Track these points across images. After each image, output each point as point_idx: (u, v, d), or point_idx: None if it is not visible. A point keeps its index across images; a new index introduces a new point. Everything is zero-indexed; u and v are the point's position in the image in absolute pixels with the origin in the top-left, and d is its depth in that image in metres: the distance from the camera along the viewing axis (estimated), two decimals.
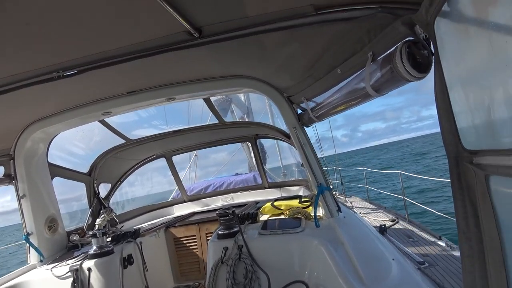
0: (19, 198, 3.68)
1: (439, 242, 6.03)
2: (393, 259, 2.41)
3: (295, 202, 3.75)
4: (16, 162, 3.61)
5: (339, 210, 3.12)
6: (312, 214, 3.32)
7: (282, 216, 3.57)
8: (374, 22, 1.62)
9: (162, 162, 6.28)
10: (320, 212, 3.23)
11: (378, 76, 1.67)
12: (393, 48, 1.52)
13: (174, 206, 6.39)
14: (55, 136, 3.90)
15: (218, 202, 6.30)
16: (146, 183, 7.12)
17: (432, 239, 6.32)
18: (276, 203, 3.80)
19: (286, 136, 4.83)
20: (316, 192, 3.07)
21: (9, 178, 3.66)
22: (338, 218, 3.02)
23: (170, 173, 6.42)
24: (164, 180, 7.40)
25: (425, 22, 1.28)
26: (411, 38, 1.43)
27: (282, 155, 10.77)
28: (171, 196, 7.09)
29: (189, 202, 6.39)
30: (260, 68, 2.77)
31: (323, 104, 2.57)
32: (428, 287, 2.04)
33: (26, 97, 2.63)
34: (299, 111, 3.15)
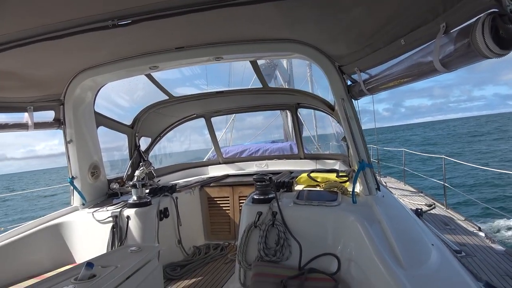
0: (66, 143, 3.83)
1: (478, 233, 5.81)
2: (433, 244, 2.33)
3: (332, 176, 3.70)
4: (66, 107, 3.73)
5: (378, 188, 3.03)
6: (349, 189, 3.26)
7: (318, 188, 3.53)
8: None
9: (200, 122, 6.35)
10: (357, 189, 3.15)
11: (450, 50, 1.53)
12: (473, 20, 1.37)
13: (209, 166, 6.50)
14: (102, 86, 3.98)
15: (253, 167, 6.34)
16: (183, 140, 7.25)
17: (471, 229, 6.10)
18: (312, 175, 3.76)
19: (330, 108, 4.70)
20: (357, 168, 2.99)
21: (58, 122, 3.80)
22: (376, 197, 2.94)
23: (207, 133, 6.49)
24: (200, 139, 7.52)
25: None
26: (494, 10, 1.28)
27: (317, 129, 10.64)
28: (207, 157, 7.21)
29: (224, 164, 6.47)
30: (315, 33, 2.65)
31: (378, 77, 2.43)
32: (467, 277, 1.96)
33: (79, 44, 2.66)
34: (348, 83, 3.02)
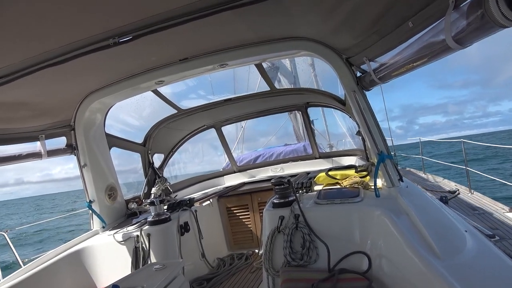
0: (81, 168, 3.83)
1: (509, 215, 5.59)
2: (466, 231, 2.22)
3: (351, 172, 3.61)
4: (77, 132, 3.74)
5: (400, 179, 2.93)
6: (370, 183, 3.17)
7: (338, 186, 3.44)
8: None
9: (212, 133, 6.32)
10: (379, 182, 3.06)
11: (463, 25, 1.45)
12: None
13: (224, 176, 6.46)
14: (111, 107, 3.98)
15: (268, 172, 6.28)
16: (197, 154, 7.24)
17: (501, 211, 5.88)
18: (330, 173, 3.68)
19: (340, 103, 4.61)
20: (376, 160, 2.90)
21: (71, 148, 3.81)
22: (400, 188, 2.84)
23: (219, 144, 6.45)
24: (214, 153, 7.51)
25: None
26: None
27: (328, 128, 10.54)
28: (221, 167, 7.17)
29: (239, 173, 6.42)
30: (319, 27, 2.59)
31: (388, 64, 2.35)
32: (509, 260, 1.85)
33: (84, 66, 2.67)
34: (358, 74, 2.95)
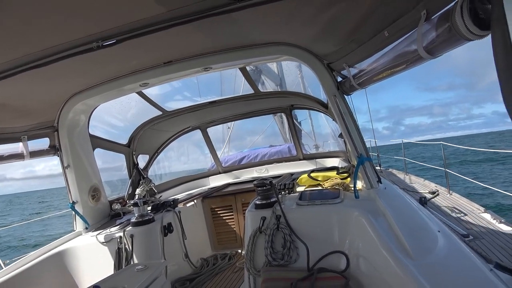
0: (64, 169, 3.82)
1: (484, 215, 5.77)
2: (439, 231, 2.32)
3: (332, 173, 3.69)
4: (60, 133, 3.73)
5: (379, 181, 3.03)
6: (351, 185, 3.25)
7: (319, 187, 3.52)
8: None
9: (197, 134, 6.35)
10: (359, 184, 3.15)
11: (433, 36, 1.54)
12: (452, 4, 1.38)
13: (209, 177, 6.49)
14: (95, 108, 3.98)
15: (253, 173, 6.33)
16: (182, 154, 7.24)
17: (476, 212, 6.07)
18: (313, 174, 3.75)
19: (323, 106, 4.71)
20: (356, 163, 2.99)
21: (54, 149, 3.80)
22: (378, 189, 2.93)
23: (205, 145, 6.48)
24: (199, 152, 7.51)
25: None
26: None
27: (314, 129, 10.63)
28: (207, 166, 7.19)
29: (224, 174, 6.46)
30: (300, 34, 2.66)
31: (366, 70, 2.44)
32: (477, 259, 1.94)
33: (67, 69, 2.67)
34: (339, 79, 3.03)
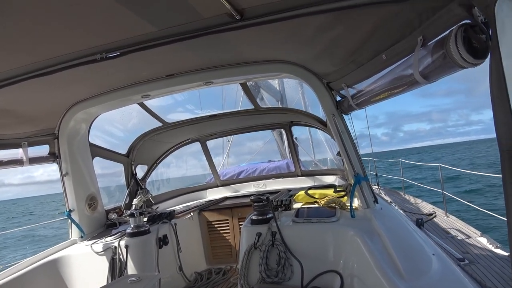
0: (62, 176, 3.83)
1: (480, 239, 5.75)
2: (433, 254, 2.32)
3: (329, 191, 3.69)
4: (60, 141, 3.74)
5: (376, 201, 3.04)
6: (347, 204, 3.26)
7: (316, 205, 3.52)
8: (426, 4, 1.52)
9: (196, 146, 6.37)
10: (355, 203, 3.15)
11: (429, 62, 1.57)
12: (447, 32, 1.42)
13: (207, 190, 6.48)
14: (96, 117, 4.01)
15: (251, 188, 6.33)
16: (180, 166, 7.24)
17: (473, 235, 6.05)
18: (310, 192, 3.75)
19: (322, 124, 4.74)
20: (353, 182, 3.00)
21: (53, 156, 3.81)
22: (374, 209, 2.94)
23: (204, 157, 6.49)
24: (197, 164, 7.52)
25: (484, 3, 1.18)
26: (467, 21, 1.33)
27: (313, 146, 10.65)
28: (205, 181, 7.19)
29: (222, 187, 6.45)
30: (300, 53, 2.71)
31: (364, 91, 2.48)
32: (470, 285, 1.94)
33: (70, 78, 2.70)
34: (338, 98, 3.07)
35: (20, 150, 3.53)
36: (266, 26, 2.05)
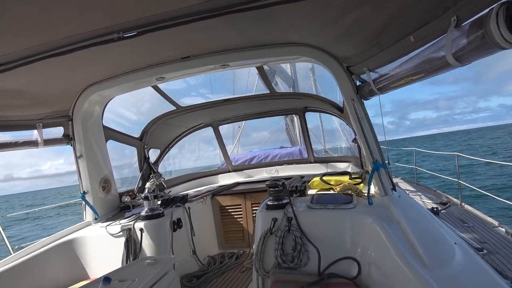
0: (76, 158, 3.85)
1: (498, 229, 5.64)
2: (455, 243, 2.27)
3: (345, 178, 3.65)
4: (74, 123, 3.74)
5: (393, 188, 2.98)
6: (364, 191, 3.21)
7: (331, 192, 3.48)
8: None
9: (206, 132, 6.36)
10: (372, 190, 3.10)
11: (464, 44, 1.49)
12: (486, 11, 1.33)
13: (219, 175, 6.48)
14: (110, 100, 3.99)
15: (263, 174, 6.31)
16: (193, 151, 7.24)
17: (490, 225, 5.93)
18: (325, 178, 3.71)
19: (338, 110, 4.66)
20: (371, 168, 2.94)
21: (68, 138, 3.82)
22: (392, 197, 2.88)
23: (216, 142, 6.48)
24: (209, 150, 7.52)
25: None
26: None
27: (324, 134, 10.58)
28: (217, 164, 7.18)
29: (234, 172, 6.45)
30: (321, 35, 2.62)
31: (388, 75, 2.39)
32: (495, 275, 1.89)
33: (85, 58, 2.67)
34: (357, 83, 2.99)
35: (35, 131, 3.53)
36: (285, 6, 1.99)
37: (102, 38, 2.27)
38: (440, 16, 1.65)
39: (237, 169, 6.47)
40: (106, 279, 1.87)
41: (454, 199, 7.84)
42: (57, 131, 3.80)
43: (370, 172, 2.97)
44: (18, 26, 1.93)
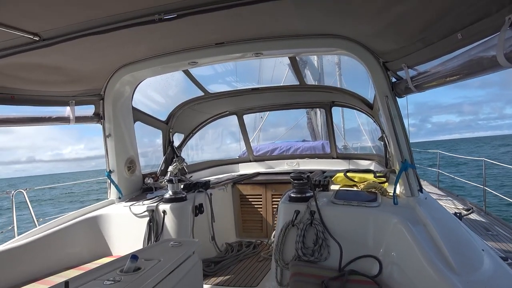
0: (105, 137, 3.92)
1: None
2: (483, 250, 2.21)
3: (369, 176, 3.61)
4: (105, 102, 3.80)
5: (420, 190, 2.92)
6: (388, 190, 3.16)
7: (355, 188, 3.44)
8: None
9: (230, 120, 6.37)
10: (397, 190, 3.05)
11: None
12: None
13: (239, 164, 6.49)
14: (141, 81, 4.03)
15: (283, 166, 6.28)
16: (215, 138, 7.27)
17: None
18: (349, 174, 3.67)
19: (367, 106, 4.58)
20: (398, 168, 2.89)
21: (98, 117, 3.89)
22: (418, 198, 2.83)
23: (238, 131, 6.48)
24: (229, 139, 7.55)
25: None
26: None
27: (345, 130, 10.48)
28: (236, 154, 7.20)
29: (254, 162, 6.44)
30: (360, 28, 2.57)
31: (428, 73, 2.32)
32: None
33: (122, 38, 2.69)
34: (392, 80, 2.92)
35: (68, 108, 3.61)
36: None
37: (143, 19, 2.28)
38: (494, 14, 1.59)
39: (258, 159, 6.47)
40: (134, 256, 1.89)
41: (477, 206, 7.64)
42: (88, 109, 3.87)
43: (396, 171, 2.92)
44: (61, 1, 1.95)
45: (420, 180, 3.03)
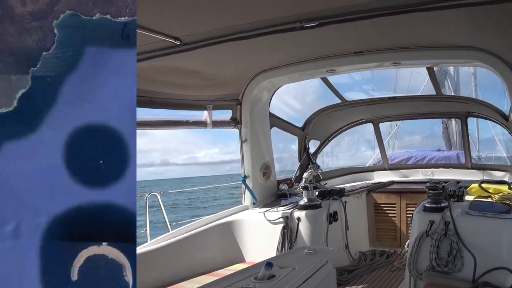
0: (242, 142, 4.06)
1: None
2: None
3: (504, 187, 3.38)
4: (243, 107, 3.94)
5: None
6: None
7: (489, 200, 3.28)
8: None
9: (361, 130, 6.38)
10: None
11: None
12: None
13: (373, 172, 6.45)
14: (279, 88, 4.15)
15: (418, 175, 6.04)
16: (350, 145, 7.30)
17: None
18: (483, 185, 3.50)
19: (502, 117, 4.20)
20: None
21: (235, 121, 4.03)
22: None
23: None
24: (361, 150, 7.53)
25: None
26: None
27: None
28: (369, 162, 7.13)
29: (389, 170, 6.34)
30: (499, 41, 2.50)
31: None
32: None
33: (261, 45, 2.81)
34: None
35: (205, 112, 3.75)
36: (471, 8, 1.96)
37: (284, 26, 2.37)
38: None
39: (393, 167, 6.34)
40: (269, 264, 1.87)
41: None
42: (225, 114, 4.02)
43: None
44: (208, 7, 2.08)
45: None
